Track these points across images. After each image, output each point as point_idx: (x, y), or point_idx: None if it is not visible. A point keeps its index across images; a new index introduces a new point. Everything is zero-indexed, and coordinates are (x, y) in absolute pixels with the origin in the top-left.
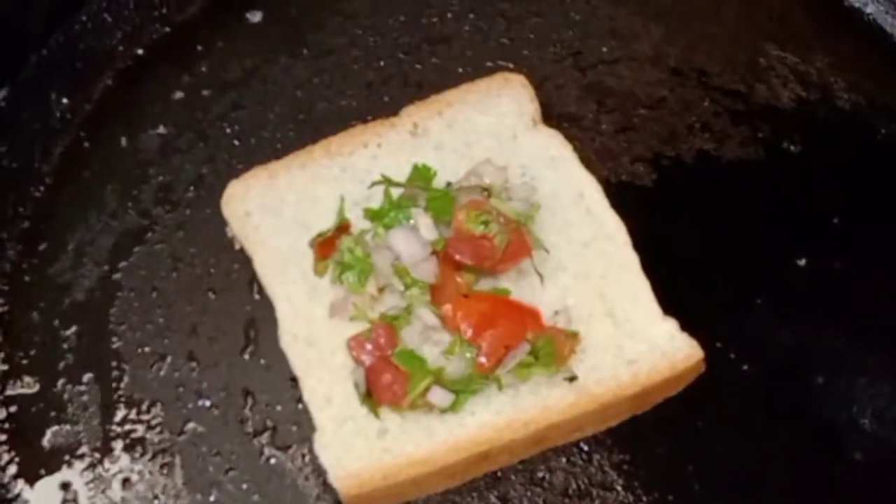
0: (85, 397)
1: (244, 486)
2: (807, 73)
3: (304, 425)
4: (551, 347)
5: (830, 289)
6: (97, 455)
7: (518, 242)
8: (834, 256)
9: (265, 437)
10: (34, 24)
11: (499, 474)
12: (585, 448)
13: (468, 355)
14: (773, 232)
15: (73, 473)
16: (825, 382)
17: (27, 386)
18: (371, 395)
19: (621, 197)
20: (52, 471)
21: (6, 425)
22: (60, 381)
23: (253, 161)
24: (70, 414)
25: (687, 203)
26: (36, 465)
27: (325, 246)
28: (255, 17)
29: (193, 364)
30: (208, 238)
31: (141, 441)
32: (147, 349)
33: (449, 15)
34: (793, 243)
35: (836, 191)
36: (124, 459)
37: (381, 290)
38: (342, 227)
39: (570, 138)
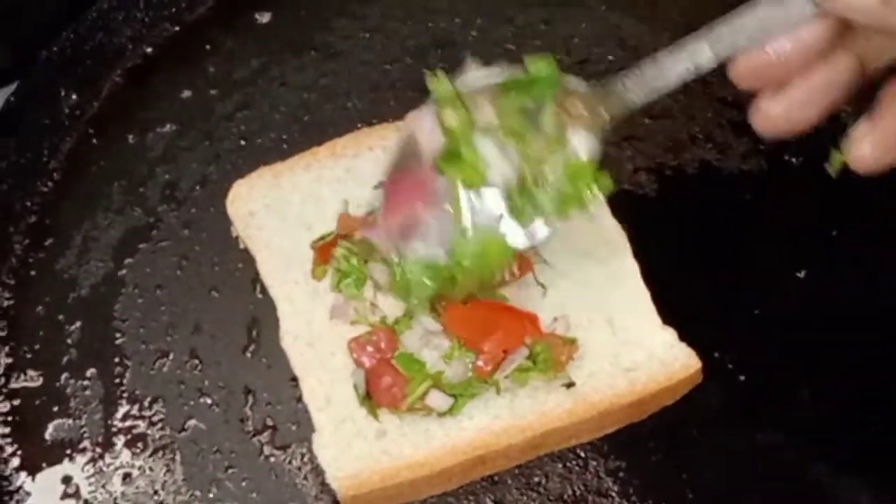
0: (88, 392)
1: (243, 484)
2: None
3: (304, 425)
4: (549, 353)
5: (829, 301)
6: (99, 450)
7: (519, 259)
8: (833, 269)
9: (265, 436)
10: (44, 20)
11: (495, 478)
12: (582, 454)
13: (467, 360)
14: (773, 243)
15: (75, 467)
16: (822, 395)
17: (31, 379)
18: (370, 397)
19: (623, 205)
20: (53, 464)
21: (9, 418)
22: (64, 376)
23: (258, 161)
24: (73, 408)
25: (688, 213)
26: (38, 458)
27: (323, 251)
28: (264, 17)
29: (196, 362)
30: (213, 237)
31: (142, 437)
32: (150, 346)
33: (457, 20)
34: (792, 255)
35: (837, 203)
36: (125, 455)
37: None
38: (341, 235)
39: None
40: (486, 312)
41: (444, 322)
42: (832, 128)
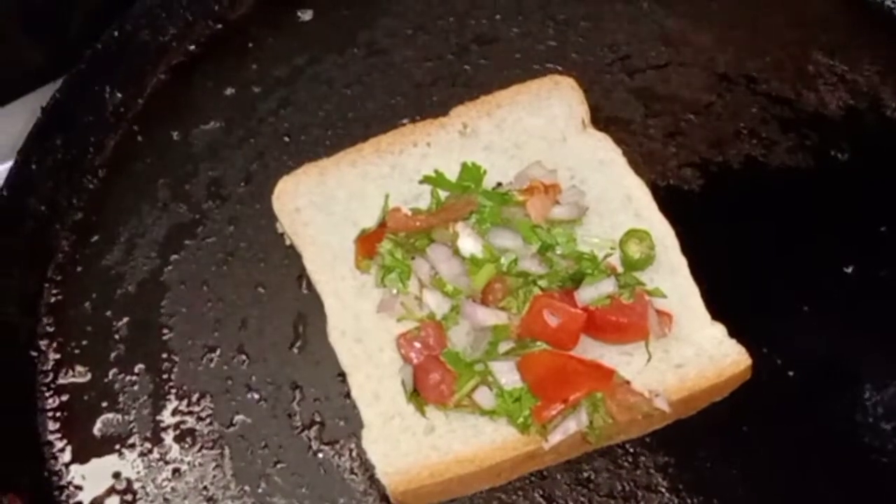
0: (136, 387)
1: (292, 479)
2: (855, 82)
3: (352, 420)
4: (606, 411)
5: (877, 297)
6: (148, 445)
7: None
8: (881, 264)
9: (313, 432)
10: (89, 18)
11: (545, 473)
12: (631, 450)
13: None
14: (820, 239)
15: (125, 462)
16: (871, 390)
17: (79, 375)
18: (418, 393)
19: (669, 201)
20: (103, 459)
21: (58, 414)
22: (112, 371)
23: (302, 158)
24: (121, 404)
25: (734, 209)
26: (88, 454)
27: (366, 243)
28: (306, 15)
29: (243, 357)
30: (258, 233)
31: (191, 432)
32: (197, 342)
33: (498, 16)
34: (840, 251)
35: (884, 199)
36: (174, 450)
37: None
38: (385, 224)
39: (617, 142)
40: (562, 363)
41: (519, 364)
42: (878, 122)
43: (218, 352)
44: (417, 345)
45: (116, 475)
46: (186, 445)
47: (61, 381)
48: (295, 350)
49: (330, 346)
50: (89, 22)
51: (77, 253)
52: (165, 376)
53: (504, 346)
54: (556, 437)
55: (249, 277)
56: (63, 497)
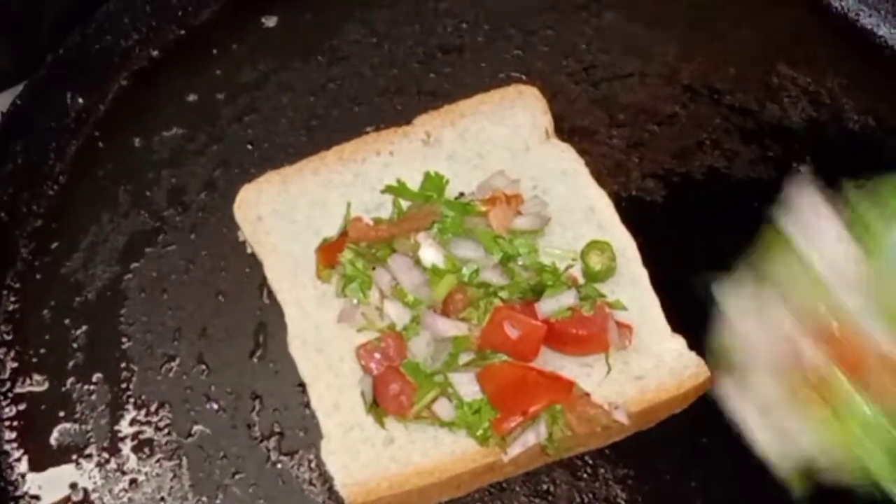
0: (94, 397)
1: (250, 491)
2: (818, 94)
3: (312, 431)
4: (565, 424)
5: None
6: (105, 455)
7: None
8: None
9: (272, 442)
10: (50, 23)
11: (504, 485)
12: (590, 462)
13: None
14: None
15: (82, 472)
16: None
17: (36, 384)
18: (377, 405)
19: (631, 212)
20: (60, 469)
21: (15, 423)
22: (70, 380)
23: (265, 165)
24: (79, 413)
25: (696, 220)
26: (44, 463)
27: (327, 252)
28: (271, 21)
29: (202, 367)
30: (220, 241)
31: (149, 442)
32: (157, 350)
33: (464, 25)
34: None
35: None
36: (132, 460)
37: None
38: (346, 234)
39: (580, 152)
40: (522, 374)
41: (479, 375)
42: (840, 134)
43: (177, 361)
44: (377, 355)
45: (73, 485)
46: (144, 456)
47: (18, 389)
48: (255, 359)
49: (290, 356)
50: (56, 27)
51: (36, 260)
52: (124, 385)
53: (464, 358)
54: (515, 450)
55: (210, 286)
56: None
